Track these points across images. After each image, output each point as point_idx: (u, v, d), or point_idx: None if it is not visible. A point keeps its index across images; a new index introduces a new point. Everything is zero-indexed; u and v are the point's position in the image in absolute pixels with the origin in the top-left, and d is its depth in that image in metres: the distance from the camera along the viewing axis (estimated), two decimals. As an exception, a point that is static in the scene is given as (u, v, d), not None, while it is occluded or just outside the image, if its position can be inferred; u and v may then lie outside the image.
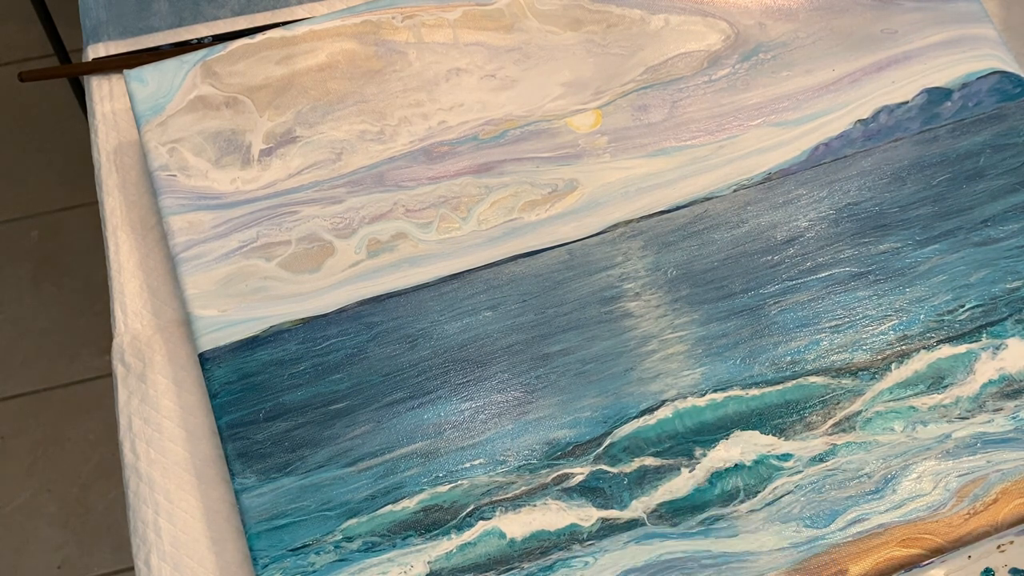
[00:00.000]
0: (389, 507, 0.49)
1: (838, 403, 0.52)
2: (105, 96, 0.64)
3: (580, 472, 0.50)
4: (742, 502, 0.50)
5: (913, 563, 0.48)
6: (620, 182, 0.57)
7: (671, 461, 0.50)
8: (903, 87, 0.60)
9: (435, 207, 0.57)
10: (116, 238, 0.59)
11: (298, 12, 0.67)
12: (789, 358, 0.53)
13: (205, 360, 0.53)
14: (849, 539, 0.49)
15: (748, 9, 0.62)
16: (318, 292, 0.54)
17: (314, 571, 0.48)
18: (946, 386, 0.52)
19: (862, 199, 0.57)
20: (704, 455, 0.51)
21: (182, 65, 0.60)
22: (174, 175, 0.57)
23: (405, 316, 0.54)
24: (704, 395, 0.52)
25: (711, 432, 0.51)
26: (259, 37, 0.60)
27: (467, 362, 0.53)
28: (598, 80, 0.60)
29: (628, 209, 0.57)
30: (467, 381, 0.52)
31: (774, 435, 0.51)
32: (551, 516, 0.49)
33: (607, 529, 0.49)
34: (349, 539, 0.49)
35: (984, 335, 0.53)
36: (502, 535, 0.49)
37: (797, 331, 0.53)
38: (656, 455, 0.51)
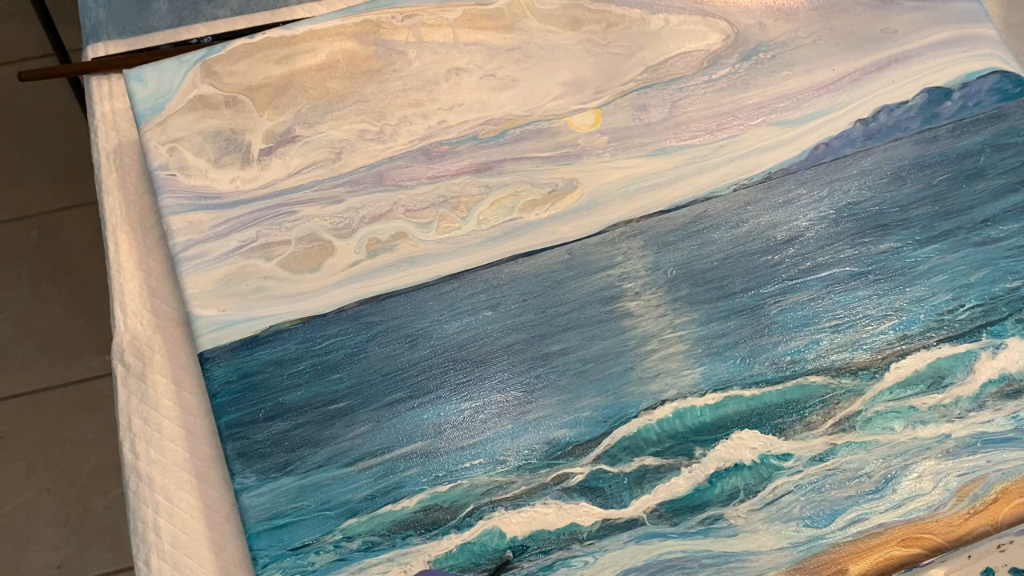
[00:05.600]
0: (389, 507, 0.49)
1: (838, 403, 0.52)
2: (105, 96, 0.64)
3: (580, 472, 0.50)
4: (742, 502, 0.49)
5: (913, 563, 0.48)
6: (620, 182, 0.57)
7: (671, 461, 0.50)
8: (903, 87, 0.60)
9: (435, 207, 0.57)
10: (116, 238, 0.59)
11: (298, 12, 0.67)
12: (789, 358, 0.53)
13: (205, 360, 0.53)
14: (849, 539, 0.49)
15: (748, 9, 0.62)
16: (318, 292, 0.54)
17: (314, 571, 0.48)
18: (946, 386, 0.52)
19: (862, 199, 0.57)
20: (704, 455, 0.51)
21: (182, 65, 0.60)
22: (174, 175, 0.57)
23: (405, 316, 0.54)
24: (704, 395, 0.52)
25: (711, 432, 0.51)
26: (259, 37, 0.60)
27: (467, 362, 0.53)
28: (598, 80, 0.60)
29: (628, 209, 0.57)
30: (467, 381, 0.52)
31: (774, 435, 0.51)
32: (551, 516, 0.49)
33: (607, 529, 0.49)
34: (349, 539, 0.49)
35: (984, 335, 0.53)
36: (502, 535, 0.49)
37: (797, 331, 0.53)
38: (656, 455, 0.51)
